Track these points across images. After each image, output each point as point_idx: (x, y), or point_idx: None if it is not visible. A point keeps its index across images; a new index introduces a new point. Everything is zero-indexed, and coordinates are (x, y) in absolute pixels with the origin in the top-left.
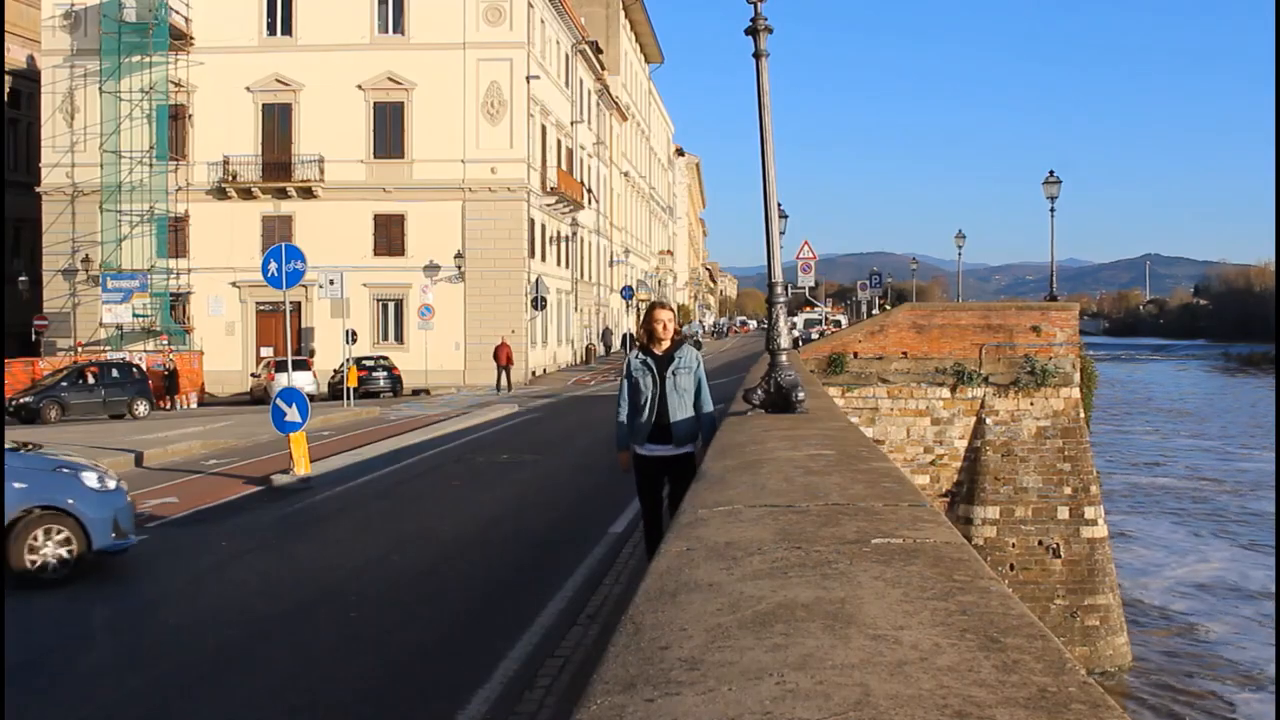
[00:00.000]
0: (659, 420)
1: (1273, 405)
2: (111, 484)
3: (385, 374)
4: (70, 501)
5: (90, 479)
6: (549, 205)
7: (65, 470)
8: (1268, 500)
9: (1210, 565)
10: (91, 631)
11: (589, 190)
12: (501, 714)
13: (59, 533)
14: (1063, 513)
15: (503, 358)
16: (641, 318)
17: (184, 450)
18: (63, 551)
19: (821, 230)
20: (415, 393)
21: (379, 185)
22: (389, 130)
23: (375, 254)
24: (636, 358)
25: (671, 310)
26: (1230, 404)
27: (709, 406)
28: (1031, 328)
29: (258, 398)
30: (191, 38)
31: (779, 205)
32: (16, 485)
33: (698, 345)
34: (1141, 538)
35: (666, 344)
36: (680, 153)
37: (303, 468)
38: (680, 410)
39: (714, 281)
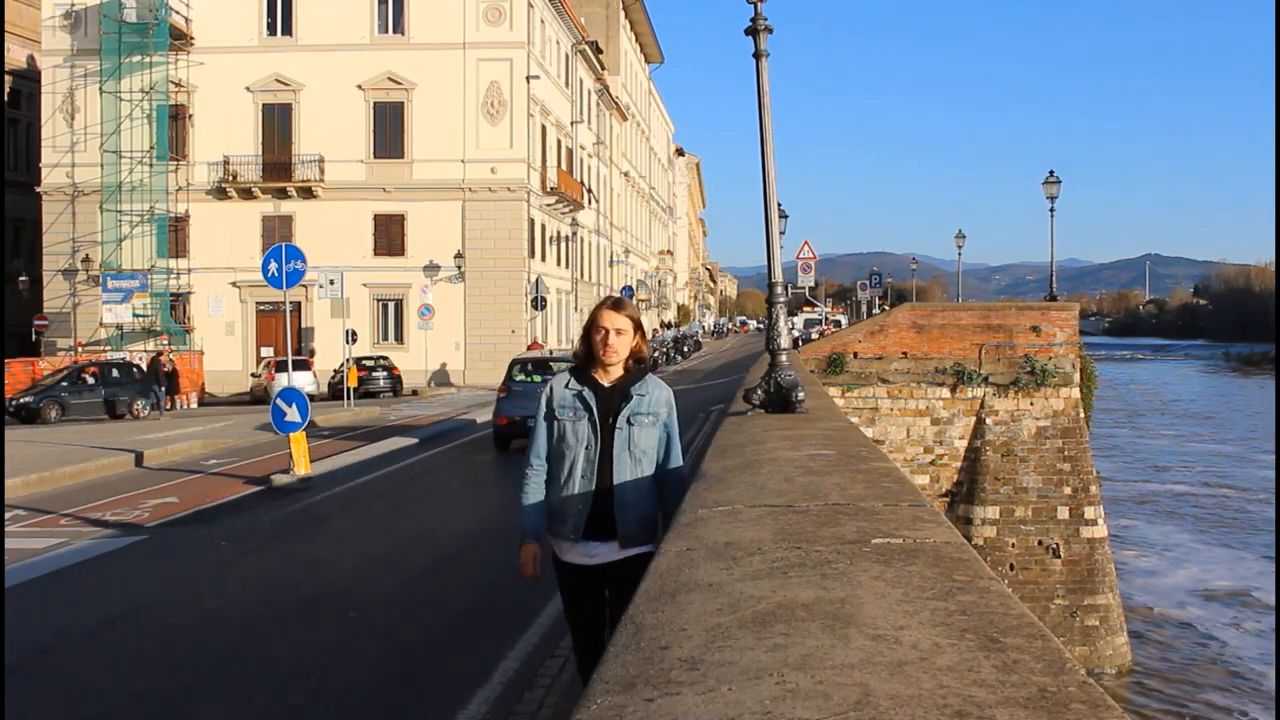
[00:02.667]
0: (598, 502)
1: None
2: None
3: (385, 374)
4: None
5: None
6: (549, 205)
7: None
8: None
9: (1219, 572)
10: (92, 631)
11: (589, 190)
12: (501, 714)
13: None
14: (1062, 513)
15: None
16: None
17: (184, 450)
18: None
19: (821, 230)
20: (414, 392)
21: (379, 185)
22: (389, 130)
23: (375, 254)
24: (566, 386)
25: (630, 316)
26: (1248, 407)
27: (678, 461)
28: (1031, 328)
29: (258, 398)
30: (191, 38)
31: (779, 205)
32: None
33: (697, 346)
34: (1150, 543)
35: (618, 370)
36: (680, 153)
37: (303, 468)
38: (634, 485)
39: (714, 281)
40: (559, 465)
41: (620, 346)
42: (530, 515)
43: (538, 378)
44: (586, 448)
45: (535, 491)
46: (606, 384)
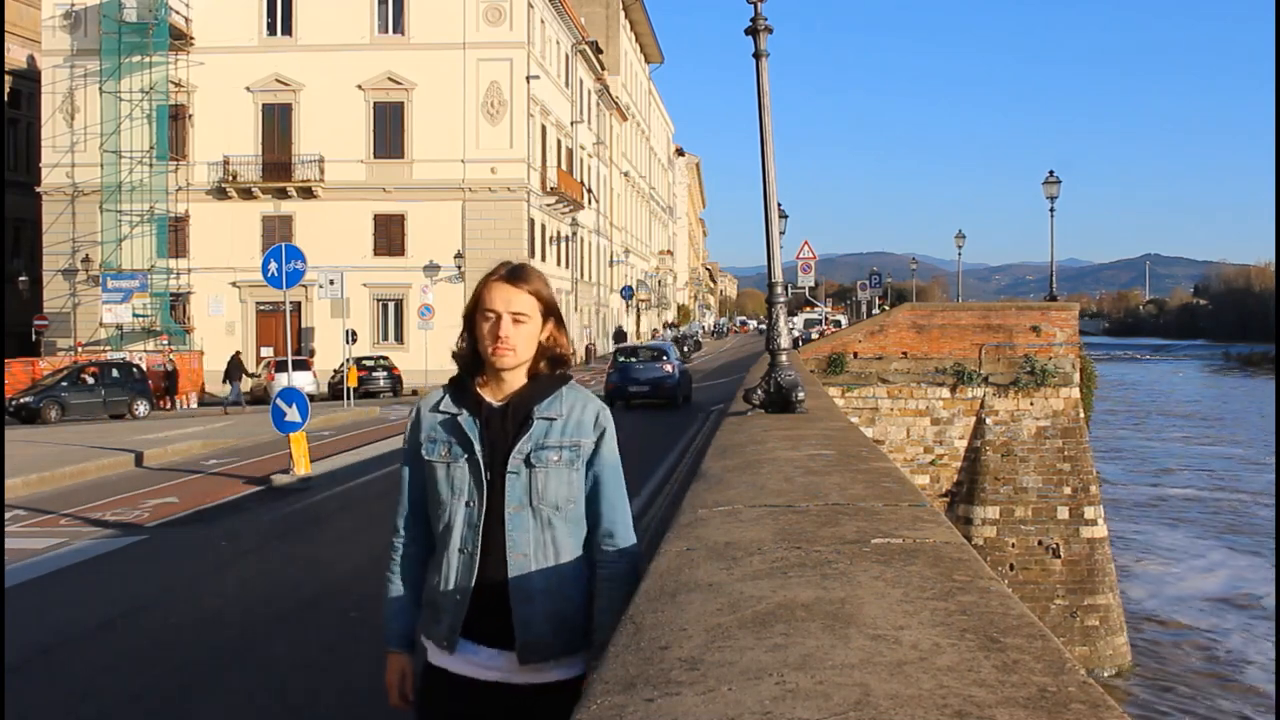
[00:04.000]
0: (485, 589)
1: None
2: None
3: (385, 374)
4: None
5: (675, 354)
6: (549, 205)
7: (670, 346)
8: None
9: (1225, 576)
10: (92, 631)
11: (589, 190)
12: None
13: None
14: (1062, 513)
15: None
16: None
17: (184, 450)
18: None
19: (821, 230)
20: (414, 392)
21: (379, 185)
22: (389, 130)
23: (375, 254)
24: (436, 408)
25: (536, 292)
26: (1257, 408)
27: (627, 538)
28: (1031, 328)
29: (258, 398)
30: (191, 38)
31: (779, 205)
32: (675, 354)
33: (697, 346)
34: (1156, 547)
35: (518, 378)
36: (680, 153)
37: (303, 468)
38: (541, 557)
39: (714, 281)
40: (434, 532)
41: (519, 341)
42: (395, 613)
43: (633, 359)
44: (467, 504)
45: (401, 577)
46: (497, 402)
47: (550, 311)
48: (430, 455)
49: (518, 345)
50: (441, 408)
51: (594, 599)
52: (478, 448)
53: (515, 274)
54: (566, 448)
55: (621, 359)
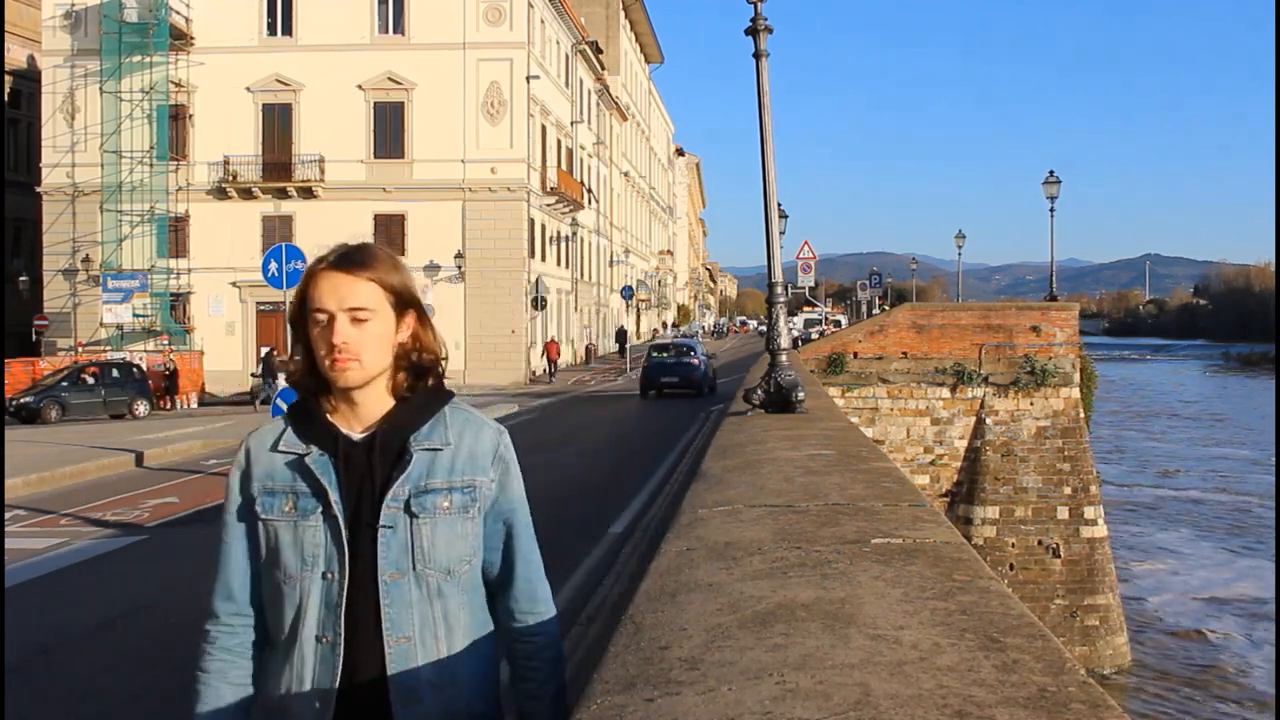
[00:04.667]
0: (349, 683)
1: None
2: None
3: None
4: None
5: (701, 349)
6: (549, 205)
7: (697, 343)
8: None
9: (1228, 578)
10: (92, 631)
11: (589, 190)
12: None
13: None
14: (1062, 513)
15: (553, 353)
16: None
17: (184, 450)
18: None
19: (821, 230)
20: None
21: (379, 185)
22: (389, 130)
23: None
24: (275, 446)
25: (380, 280)
26: (1261, 409)
27: (544, 610)
28: (1031, 328)
29: (258, 397)
30: (192, 38)
31: (779, 205)
32: (701, 350)
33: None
34: (1160, 548)
35: (378, 399)
36: (680, 153)
37: None
38: (430, 639)
39: (714, 281)
40: (275, 618)
41: (365, 347)
42: None
43: (664, 354)
44: (324, 576)
45: (221, 679)
46: (358, 434)
47: (406, 303)
48: (268, 512)
49: (362, 354)
50: (282, 446)
51: (517, 683)
52: (334, 497)
53: (349, 258)
54: (458, 489)
55: (654, 354)
